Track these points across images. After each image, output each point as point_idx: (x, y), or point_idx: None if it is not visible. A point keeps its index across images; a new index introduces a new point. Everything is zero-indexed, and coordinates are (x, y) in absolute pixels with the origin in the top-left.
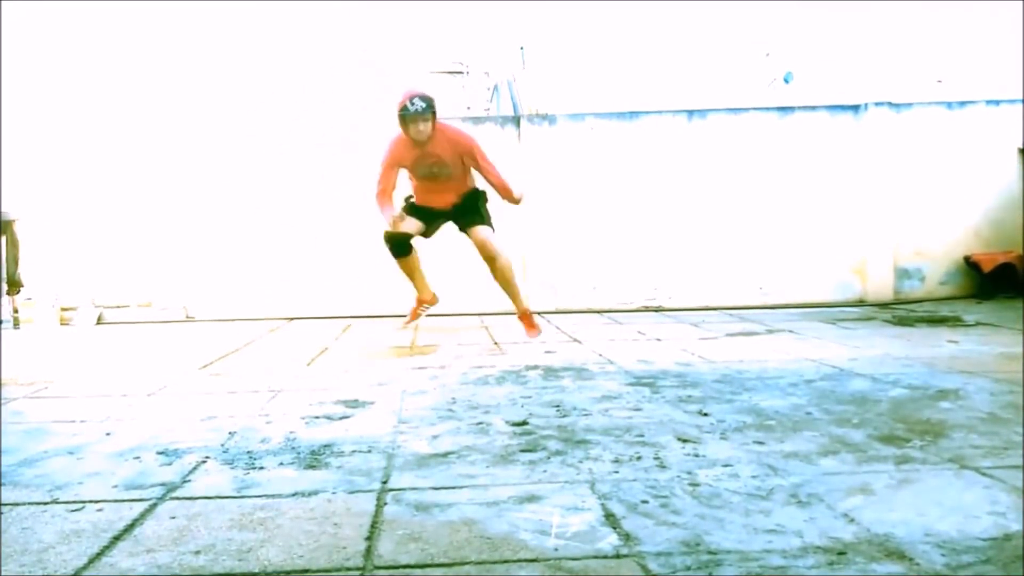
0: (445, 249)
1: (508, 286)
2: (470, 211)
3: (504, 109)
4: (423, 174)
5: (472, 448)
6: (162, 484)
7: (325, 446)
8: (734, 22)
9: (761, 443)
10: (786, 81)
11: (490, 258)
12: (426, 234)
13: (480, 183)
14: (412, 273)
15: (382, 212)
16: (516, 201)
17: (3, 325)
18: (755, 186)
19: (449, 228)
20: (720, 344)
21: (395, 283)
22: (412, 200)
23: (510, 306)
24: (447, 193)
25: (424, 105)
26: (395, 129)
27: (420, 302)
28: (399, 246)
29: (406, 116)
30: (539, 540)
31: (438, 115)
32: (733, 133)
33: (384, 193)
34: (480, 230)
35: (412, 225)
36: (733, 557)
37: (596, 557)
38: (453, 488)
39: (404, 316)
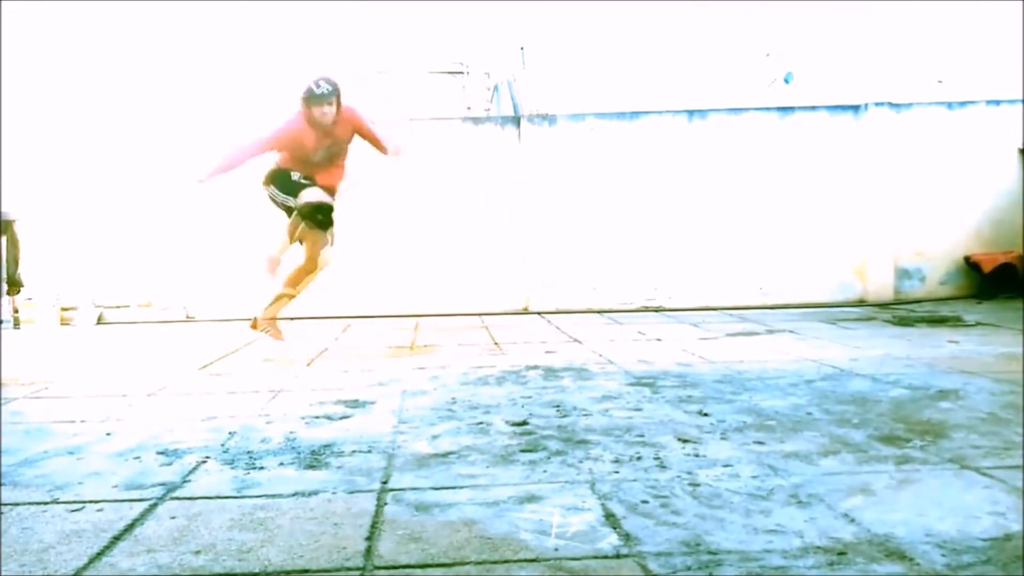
0: (445, 249)
1: (290, 286)
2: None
3: (504, 109)
4: (320, 158)
5: (472, 448)
6: (162, 484)
7: (325, 446)
8: (734, 22)
9: (761, 443)
10: (786, 81)
11: (311, 260)
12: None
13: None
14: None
15: (216, 174)
16: (389, 152)
17: (3, 325)
18: (755, 186)
19: (461, 229)
20: (720, 344)
21: (395, 283)
22: (283, 169)
23: (511, 306)
24: (336, 179)
25: (329, 88)
26: (295, 113)
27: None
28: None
29: (311, 98)
30: (539, 540)
31: (342, 102)
32: (733, 133)
33: (244, 157)
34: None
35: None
36: (733, 557)
37: (596, 557)
38: (453, 488)
39: (404, 316)
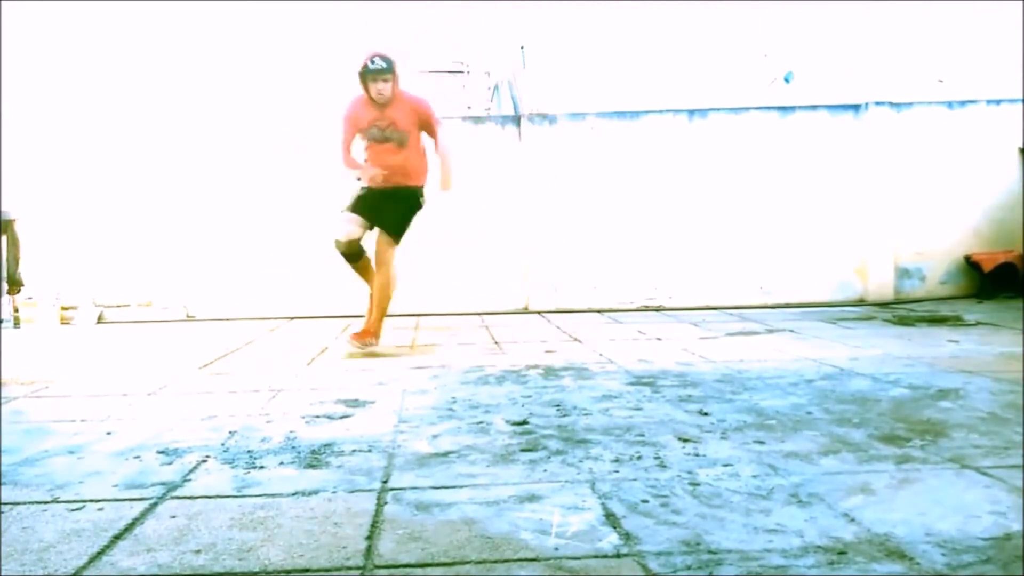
0: (445, 248)
1: (380, 299)
2: (394, 209)
3: (504, 109)
4: (375, 136)
5: (472, 447)
6: (162, 483)
7: (325, 445)
8: (734, 22)
9: (761, 443)
10: (786, 81)
11: (381, 265)
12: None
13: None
14: (367, 276)
15: (353, 171)
16: (444, 187)
17: (3, 324)
18: (756, 186)
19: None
20: (720, 343)
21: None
22: (361, 190)
23: (511, 305)
24: (395, 162)
25: (384, 64)
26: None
27: (366, 332)
28: (352, 255)
29: (366, 74)
30: (539, 539)
31: (399, 78)
32: (734, 133)
33: (348, 153)
34: (384, 239)
35: (357, 225)
36: (733, 556)
37: (596, 556)
38: (453, 487)
39: (404, 315)
